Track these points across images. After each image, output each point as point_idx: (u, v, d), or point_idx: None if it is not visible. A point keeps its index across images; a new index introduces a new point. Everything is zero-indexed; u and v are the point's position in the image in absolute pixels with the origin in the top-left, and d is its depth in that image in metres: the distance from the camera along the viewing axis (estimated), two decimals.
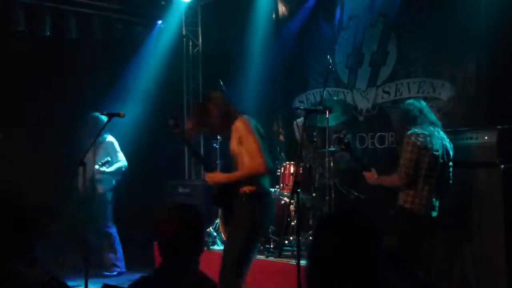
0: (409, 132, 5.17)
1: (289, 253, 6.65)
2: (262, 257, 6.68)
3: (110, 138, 7.71)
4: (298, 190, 4.64)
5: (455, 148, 5.39)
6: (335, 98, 7.70)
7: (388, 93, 7.65)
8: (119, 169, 7.64)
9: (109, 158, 7.48)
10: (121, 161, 7.66)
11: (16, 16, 8.22)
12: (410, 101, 5.51)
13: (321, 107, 6.38)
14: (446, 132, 5.43)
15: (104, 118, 6.21)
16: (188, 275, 2.94)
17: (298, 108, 7.73)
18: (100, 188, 7.63)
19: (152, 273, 3.03)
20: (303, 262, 5.05)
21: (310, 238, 6.52)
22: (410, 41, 7.41)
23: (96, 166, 7.32)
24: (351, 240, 2.22)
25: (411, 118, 5.28)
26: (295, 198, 4.70)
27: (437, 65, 7.14)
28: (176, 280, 2.90)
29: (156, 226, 3.03)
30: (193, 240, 3.01)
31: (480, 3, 6.57)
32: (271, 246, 6.84)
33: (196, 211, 3.11)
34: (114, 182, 7.86)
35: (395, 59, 7.57)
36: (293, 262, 6.29)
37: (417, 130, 5.17)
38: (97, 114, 7.09)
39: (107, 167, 7.54)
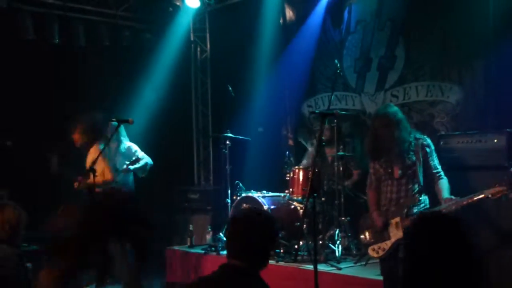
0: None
1: (299, 258, 6.64)
2: (272, 262, 6.69)
3: (128, 143, 7.73)
4: (315, 194, 4.65)
5: (464, 151, 5.39)
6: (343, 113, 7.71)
7: (396, 97, 7.64)
8: (145, 164, 7.60)
9: (136, 156, 7.46)
10: (144, 157, 7.64)
11: (25, 25, 8.28)
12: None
13: (338, 111, 6.34)
14: (453, 136, 5.44)
15: (115, 124, 6.26)
16: (252, 279, 2.93)
17: (313, 113, 7.71)
18: None
19: (212, 274, 3.01)
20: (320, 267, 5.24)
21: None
22: (418, 45, 7.41)
23: (124, 166, 7.32)
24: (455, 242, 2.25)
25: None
26: (311, 203, 4.70)
27: (445, 68, 7.13)
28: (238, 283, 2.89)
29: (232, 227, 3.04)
30: (267, 246, 3.02)
31: (487, 6, 6.56)
32: (281, 251, 6.84)
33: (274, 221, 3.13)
34: (132, 187, 7.86)
35: (403, 63, 7.56)
36: (305, 266, 6.31)
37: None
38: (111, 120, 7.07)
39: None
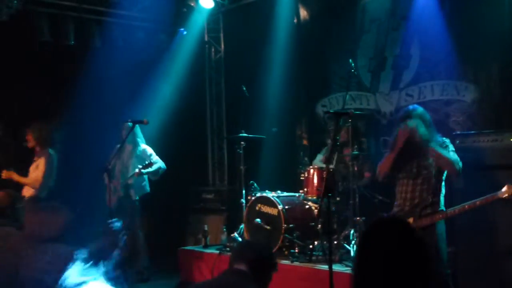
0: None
1: (314, 258, 6.63)
2: (287, 262, 6.68)
3: (143, 146, 7.77)
4: (330, 194, 4.65)
5: (480, 150, 5.36)
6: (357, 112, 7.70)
7: (411, 96, 7.60)
8: (157, 169, 7.66)
9: (150, 160, 7.51)
10: (158, 162, 7.69)
11: (41, 27, 8.35)
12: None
13: (353, 110, 6.33)
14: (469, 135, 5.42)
15: (129, 125, 6.30)
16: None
17: (328, 112, 7.68)
18: (132, 193, 7.68)
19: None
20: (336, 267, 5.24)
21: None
22: (433, 43, 7.36)
23: (136, 170, 7.37)
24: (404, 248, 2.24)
25: None
26: (325, 203, 4.69)
27: (460, 67, 7.08)
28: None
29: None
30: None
31: (503, 4, 6.52)
32: (296, 251, 6.83)
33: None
34: (147, 189, 7.89)
35: (418, 61, 7.53)
36: (320, 266, 6.30)
37: None
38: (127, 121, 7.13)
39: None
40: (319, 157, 7.72)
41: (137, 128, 7.56)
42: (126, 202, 7.58)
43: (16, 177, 7.21)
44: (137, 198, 7.73)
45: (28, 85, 8.08)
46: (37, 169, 7.19)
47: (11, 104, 7.99)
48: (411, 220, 4.90)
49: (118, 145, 6.79)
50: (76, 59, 8.73)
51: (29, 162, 7.33)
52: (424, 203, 4.98)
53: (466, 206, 4.71)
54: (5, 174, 7.17)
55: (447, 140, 5.13)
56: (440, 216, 4.91)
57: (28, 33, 8.28)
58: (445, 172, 5.06)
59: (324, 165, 7.28)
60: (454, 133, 6.22)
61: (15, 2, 7.69)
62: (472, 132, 5.98)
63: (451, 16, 7.13)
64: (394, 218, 2.64)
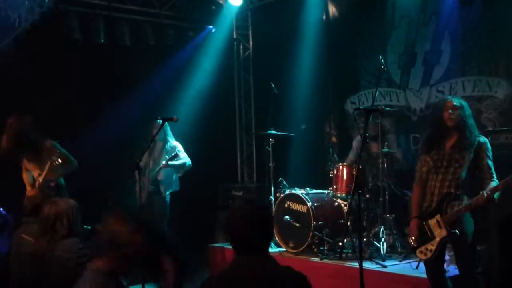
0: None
1: (344, 255, 6.61)
2: (316, 259, 6.67)
3: (174, 142, 7.82)
4: (360, 191, 4.62)
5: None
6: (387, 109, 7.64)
7: (442, 92, 7.53)
8: (183, 164, 7.70)
9: (177, 152, 7.56)
10: (185, 158, 7.74)
11: (71, 25, 8.43)
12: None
13: (383, 107, 6.27)
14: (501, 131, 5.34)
15: (159, 122, 6.34)
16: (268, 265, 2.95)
17: (358, 109, 7.64)
18: (162, 189, 7.73)
19: (228, 267, 3.04)
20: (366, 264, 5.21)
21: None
22: (464, 39, 7.28)
23: (163, 162, 7.43)
24: None
25: None
26: (355, 200, 4.67)
27: (492, 63, 7.00)
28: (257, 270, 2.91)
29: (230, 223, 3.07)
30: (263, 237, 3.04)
31: None
32: (325, 248, 6.81)
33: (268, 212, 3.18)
34: (177, 187, 7.94)
35: (449, 57, 7.45)
36: (349, 264, 6.27)
37: None
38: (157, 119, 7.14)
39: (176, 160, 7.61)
40: (350, 155, 7.68)
41: (167, 125, 7.60)
42: (155, 198, 7.63)
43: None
44: (167, 194, 7.77)
45: (58, 83, 8.17)
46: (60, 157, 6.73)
47: (41, 103, 8.08)
48: (438, 217, 4.84)
49: (149, 142, 6.84)
50: (106, 57, 8.81)
51: None
52: (449, 197, 4.89)
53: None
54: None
55: (487, 141, 4.97)
56: (463, 208, 4.77)
57: (59, 32, 8.37)
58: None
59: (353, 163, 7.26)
60: (486, 130, 6.15)
61: (47, 1, 7.78)
62: (505, 128, 5.89)
63: (483, 11, 7.04)
64: None
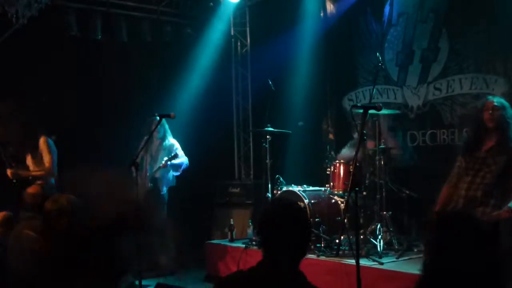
0: None
1: (340, 252, 6.60)
2: (313, 256, 6.67)
3: (171, 140, 7.82)
4: (357, 188, 4.61)
5: None
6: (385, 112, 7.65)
7: (439, 89, 7.53)
8: (180, 163, 7.72)
9: (177, 152, 7.57)
10: (182, 157, 7.75)
11: (69, 21, 8.42)
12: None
13: (381, 104, 6.26)
14: None
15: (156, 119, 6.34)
16: (290, 276, 2.81)
17: (356, 106, 7.62)
18: (160, 186, 7.74)
19: (248, 270, 2.90)
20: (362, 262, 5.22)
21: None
22: (462, 36, 7.28)
23: (163, 162, 7.43)
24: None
25: None
26: (352, 197, 4.65)
27: (490, 60, 7.00)
28: (275, 279, 2.78)
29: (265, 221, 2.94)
30: (301, 240, 2.90)
31: None
32: (322, 245, 6.82)
33: (306, 213, 3.02)
34: (173, 182, 7.95)
35: (447, 55, 7.45)
36: (346, 261, 6.27)
37: None
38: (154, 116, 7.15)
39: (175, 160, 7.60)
40: (344, 151, 7.68)
41: (165, 122, 7.60)
42: (153, 195, 7.64)
43: (23, 172, 6.86)
44: (165, 191, 7.78)
45: (56, 79, 8.15)
46: (44, 158, 6.89)
47: (37, 97, 8.06)
48: None
49: (146, 139, 6.84)
50: (103, 53, 8.80)
51: None
52: (475, 203, 4.80)
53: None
54: (10, 172, 6.83)
55: None
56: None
57: (57, 28, 8.35)
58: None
59: (350, 160, 7.26)
60: None
61: None
62: None
63: (480, 8, 7.04)
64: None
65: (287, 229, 2.83)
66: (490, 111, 4.85)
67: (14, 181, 6.70)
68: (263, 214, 2.96)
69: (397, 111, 7.59)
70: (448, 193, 5.07)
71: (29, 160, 6.89)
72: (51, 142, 6.93)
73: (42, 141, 6.83)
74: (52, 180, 6.93)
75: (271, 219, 2.89)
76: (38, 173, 6.84)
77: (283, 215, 2.87)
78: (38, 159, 6.85)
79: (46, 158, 6.85)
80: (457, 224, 2.37)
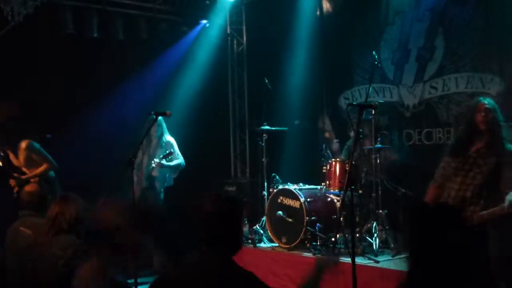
0: None
1: (336, 250, 6.61)
2: (309, 254, 6.68)
3: (168, 137, 7.81)
4: (352, 187, 4.62)
5: None
6: (381, 101, 7.65)
7: (435, 88, 7.54)
8: (177, 165, 7.73)
9: (172, 150, 7.57)
10: (179, 158, 7.75)
11: (65, 19, 8.39)
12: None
13: (377, 103, 6.27)
14: None
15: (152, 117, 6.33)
16: (226, 268, 2.85)
17: (352, 104, 7.61)
18: (157, 185, 7.73)
19: (185, 264, 2.97)
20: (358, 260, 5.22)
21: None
22: (458, 35, 7.29)
23: (157, 159, 7.43)
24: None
25: None
26: (348, 196, 4.65)
27: (485, 59, 7.02)
28: (212, 272, 2.82)
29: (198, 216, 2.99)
30: (233, 234, 2.94)
31: None
32: (318, 243, 6.82)
33: (240, 205, 3.06)
34: (170, 182, 7.94)
35: (443, 54, 7.46)
36: (342, 259, 6.27)
37: None
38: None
39: (167, 161, 7.59)
40: (344, 152, 7.70)
41: (162, 121, 7.60)
42: (149, 194, 7.63)
43: (25, 176, 6.85)
44: (162, 190, 7.78)
45: (52, 77, 8.14)
46: (37, 158, 6.93)
47: (34, 95, 8.05)
48: None
49: (142, 137, 6.83)
50: (99, 51, 8.78)
51: None
52: (464, 203, 4.80)
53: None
54: (13, 182, 6.83)
55: None
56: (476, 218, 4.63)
57: (53, 26, 8.33)
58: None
59: (346, 158, 7.28)
60: None
61: None
62: None
63: (476, 7, 7.06)
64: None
65: (218, 225, 2.90)
66: (483, 113, 4.86)
67: (15, 192, 6.65)
68: (196, 212, 3.03)
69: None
70: (435, 193, 5.08)
71: (12, 157, 6.90)
72: (34, 144, 6.90)
73: (25, 145, 6.81)
74: (52, 173, 6.94)
75: (204, 216, 2.96)
76: (39, 171, 6.82)
77: (213, 213, 2.94)
78: (28, 161, 6.87)
79: (40, 158, 6.85)
80: (436, 213, 2.41)
